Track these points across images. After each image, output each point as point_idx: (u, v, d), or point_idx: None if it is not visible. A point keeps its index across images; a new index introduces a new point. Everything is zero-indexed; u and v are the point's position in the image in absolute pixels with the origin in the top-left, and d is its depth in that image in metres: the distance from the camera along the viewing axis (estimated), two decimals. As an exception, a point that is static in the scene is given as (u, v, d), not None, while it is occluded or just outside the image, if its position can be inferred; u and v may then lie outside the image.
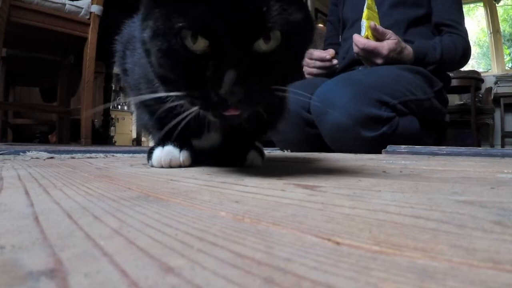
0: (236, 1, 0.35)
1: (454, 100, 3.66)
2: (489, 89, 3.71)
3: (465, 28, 1.33)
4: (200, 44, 0.37)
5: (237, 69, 0.36)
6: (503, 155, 0.85)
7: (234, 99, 0.36)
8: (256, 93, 0.38)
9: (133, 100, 0.65)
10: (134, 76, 0.55)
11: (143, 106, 0.59)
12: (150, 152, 0.55)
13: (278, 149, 1.33)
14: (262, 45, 0.38)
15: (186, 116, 0.42)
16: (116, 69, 0.65)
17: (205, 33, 0.36)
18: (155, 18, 0.39)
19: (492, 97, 3.68)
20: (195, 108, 0.40)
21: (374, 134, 1.08)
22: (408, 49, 1.21)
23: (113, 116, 4.05)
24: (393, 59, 1.19)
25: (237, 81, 0.35)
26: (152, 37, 0.39)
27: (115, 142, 4.08)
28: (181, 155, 0.53)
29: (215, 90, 0.36)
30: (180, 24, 0.36)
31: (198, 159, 0.57)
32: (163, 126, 0.56)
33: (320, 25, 2.32)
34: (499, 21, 4.03)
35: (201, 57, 0.37)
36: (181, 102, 0.42)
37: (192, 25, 0.36)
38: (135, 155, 0.86)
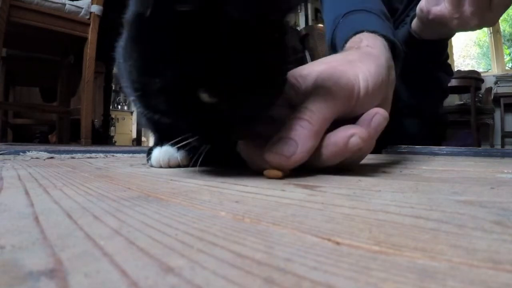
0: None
1: (454, 100, 3.66)
2: (489, 89, 3.71)
3: None
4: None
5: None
6: (503, 155, 0.85)
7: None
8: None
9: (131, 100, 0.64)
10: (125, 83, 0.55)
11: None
12: (149, 152, 0.55)
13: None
14: None
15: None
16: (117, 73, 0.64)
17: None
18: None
19: (492, 97, 3.68)
20: None
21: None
22: None
23: (113, 116, 4.05)
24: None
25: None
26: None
27: (115, 142, 4.08)
28: (179, 155, 0.53)
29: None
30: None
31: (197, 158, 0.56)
32: (160, 126, 0.56)
33: (320, 25, 2.32)
34: (499, 21, 4.02)
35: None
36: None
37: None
38: (135, 155, 0.86)
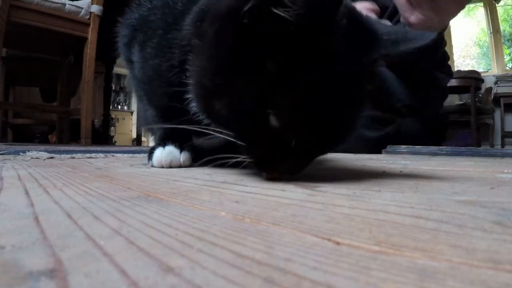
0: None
1: (454, 100, 3.65)
2: (489, 89, 3.71)
3: None
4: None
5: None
6: (503, 155, 0.85)
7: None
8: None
9: (134, 91, 0.62)
10: (145, 72, 0.52)
11: (147, 99, 0.57)
12: (150, 152, 0.55)
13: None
14: None
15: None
16: (121, 56, 0.60)
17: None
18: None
19: (492, 97, 3.68)
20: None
21: (378, 135, 1.09)
22: None
23: (113, 116, 4.05)
24: None
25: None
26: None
27: (115, 142, 4.08)
28: (182, 156, 0.53)
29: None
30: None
31: (198, 158, 0.56)
32: (166, 123, 0.55)
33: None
34: (499, 21, 4.02)
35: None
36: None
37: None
38: (135, 155, 0.86)
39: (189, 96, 0.40)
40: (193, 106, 0.40)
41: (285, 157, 0.34)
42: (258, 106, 0.32)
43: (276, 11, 0.30)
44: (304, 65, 0.31)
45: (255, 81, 0.32)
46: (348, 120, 0.35)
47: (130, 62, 0.57)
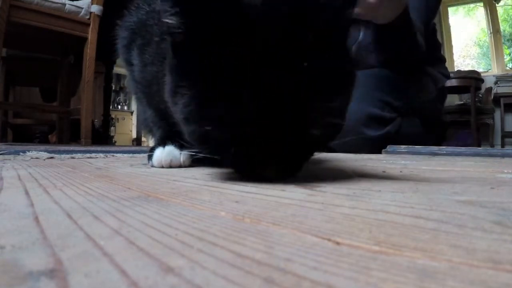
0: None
1: (454, 100, 3.65)
2: (489, 89, 3.71)
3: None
4: None
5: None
6: (503, 155, 0.85)
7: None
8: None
9: (134, 93, 0.62)
10: (144, 76, 0.53)
11: (146, 102, 0.58)
12: (150, 152, 0.55)
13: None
14: None
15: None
16: (120, 58, 0.61)
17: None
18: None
19: (492, 97, 3.68)
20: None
21: (378, 133, 1.09)
22: None
23: (113, 116, 4.05)
24: None
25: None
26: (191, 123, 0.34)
27: (115, 142, 4.08)
28: (182, 156, 0.53)
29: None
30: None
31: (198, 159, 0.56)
32: (165, 124, 0.55)
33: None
34: (499, 21, 4.02)
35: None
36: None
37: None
38: (135, 155, 0.86)
39: None
40: None
41: (259, 164, 0.33)
42: (201, 125, 0.32)
43: (165, 20, 0.31)
44: (230, 68, 0.30)
45: (202, 102, 0.32)
46: (315, 110, 0.32)
47: (129, 64, 0.57)
